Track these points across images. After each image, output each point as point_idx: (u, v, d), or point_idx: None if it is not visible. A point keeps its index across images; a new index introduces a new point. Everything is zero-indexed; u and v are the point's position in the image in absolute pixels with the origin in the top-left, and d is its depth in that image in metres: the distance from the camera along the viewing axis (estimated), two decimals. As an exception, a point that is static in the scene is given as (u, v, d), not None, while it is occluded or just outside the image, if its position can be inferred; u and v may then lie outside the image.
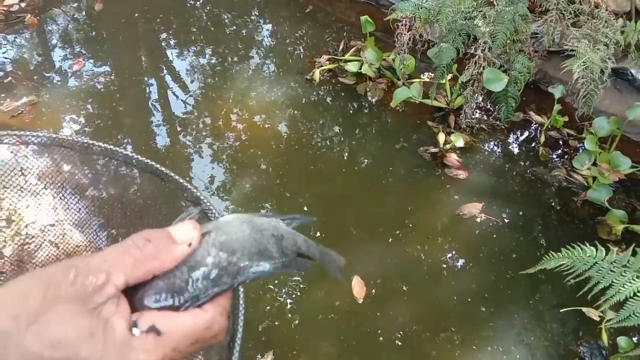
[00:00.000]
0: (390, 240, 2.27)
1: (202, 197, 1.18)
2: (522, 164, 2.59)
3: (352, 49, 3.13)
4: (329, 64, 3.08)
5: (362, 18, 2.96)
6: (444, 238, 2.28)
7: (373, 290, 2.10)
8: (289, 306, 2.05)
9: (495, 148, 2.68)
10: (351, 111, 2.86)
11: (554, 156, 2.61)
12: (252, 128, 2.77)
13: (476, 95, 2.61)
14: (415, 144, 2.67)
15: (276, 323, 2.00)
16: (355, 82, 2.99)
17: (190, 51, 3.30)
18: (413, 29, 2.66)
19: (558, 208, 2.39)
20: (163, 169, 1.20)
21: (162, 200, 1.29)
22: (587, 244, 1.70)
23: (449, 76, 2.78)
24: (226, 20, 3.56)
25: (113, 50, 3.30)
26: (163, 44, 3.41)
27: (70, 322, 0.36)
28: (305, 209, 2.40)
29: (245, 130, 2.76)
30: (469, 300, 2.08)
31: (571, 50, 2.41)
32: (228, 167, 2.60)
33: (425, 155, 2.61)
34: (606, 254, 1.65)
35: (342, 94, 2.94)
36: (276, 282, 2.10)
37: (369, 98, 2.91)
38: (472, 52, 2.53)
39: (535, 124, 2.76)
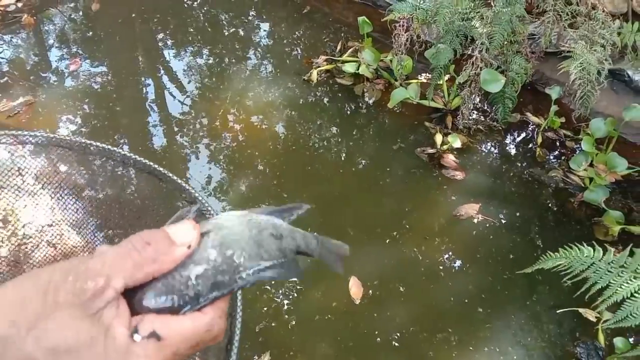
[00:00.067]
0: (387, 241, 2.27)
1: (199, 198, 1.18)
2: (519, 165, 2.59)
3: (350, 50, 3.13)
4: (327, 64, 3.08)
5: (360, 19, 2.96)
6: (441, 239, 2.28)
7: (370, 291, 2.10)
8: (286, 307, 2.04)
9: (493, 149, 2.68)
10: (348, 112, 2.86)
11: (551, 157, 2.62)
12: (249, 128, 2.77)
13: (473, 96, 2.61)
14: (413, 144, 2.67)
15: (273, 324, 2.00)
16: (353, 82, 2.99)
17: (188, 51, 3.29)
18: (410, 30, 2.66)
19: (555, 209, 2.39)
20: (161, 169, 1.19)
21: (159, 201, 1.28)
22: (585, 245, 1.71)
23: (447, 77, 2.79)
24: (223, 21, 3.56)
25: (110, 50, 3.29)
26: (160, 44, 3.40)
27: (71, 328, 0.36)
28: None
29: (243, 131, 2.76)
30: (466, 301, 2.09)
31: (568, 52, 2.41)
32: (225, 167, 2.60)
33: (422, 156, 2.61)
34: (604, 254, 1.65)
35: (340, 94, 2.94)
36: (273, 282, 2.10)
37: (367, 99, 2.91)
38: (469, 53, 2.54)
39: (532, 125, 2.76)
